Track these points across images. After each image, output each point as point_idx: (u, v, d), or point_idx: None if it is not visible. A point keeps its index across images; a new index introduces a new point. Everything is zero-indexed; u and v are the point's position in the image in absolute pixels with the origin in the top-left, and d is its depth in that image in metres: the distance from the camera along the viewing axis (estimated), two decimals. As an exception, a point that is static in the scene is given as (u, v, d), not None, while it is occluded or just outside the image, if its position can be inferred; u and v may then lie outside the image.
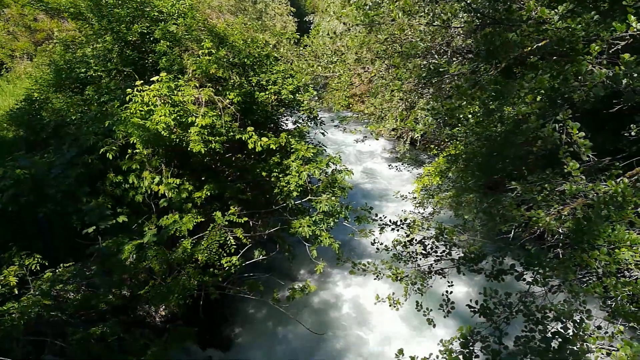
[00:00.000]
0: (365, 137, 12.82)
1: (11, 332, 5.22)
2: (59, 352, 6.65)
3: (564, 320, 4.50)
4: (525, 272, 5.56)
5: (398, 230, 6.66)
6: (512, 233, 7.06)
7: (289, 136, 9.01)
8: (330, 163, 9.54)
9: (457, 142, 10.41)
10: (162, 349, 6.73)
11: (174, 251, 7.61)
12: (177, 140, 7.55)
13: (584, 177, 5.52)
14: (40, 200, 7.31)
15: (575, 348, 4.17)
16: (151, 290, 6.94)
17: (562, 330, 4.28)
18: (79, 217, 7.35)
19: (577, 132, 4.87)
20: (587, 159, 4.92)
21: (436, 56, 9.14)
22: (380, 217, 6.86)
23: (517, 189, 6.73)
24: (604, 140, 7.55)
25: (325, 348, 9.39)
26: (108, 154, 7.50)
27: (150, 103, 7.29)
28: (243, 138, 8.15)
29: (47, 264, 6.77)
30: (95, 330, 6.31)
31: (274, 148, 8.62)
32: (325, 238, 8.96)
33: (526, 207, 6.23)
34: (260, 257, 9.21)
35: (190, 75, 8.44)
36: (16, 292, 5.75)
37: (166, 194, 7.66)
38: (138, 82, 7.47)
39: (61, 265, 6.76)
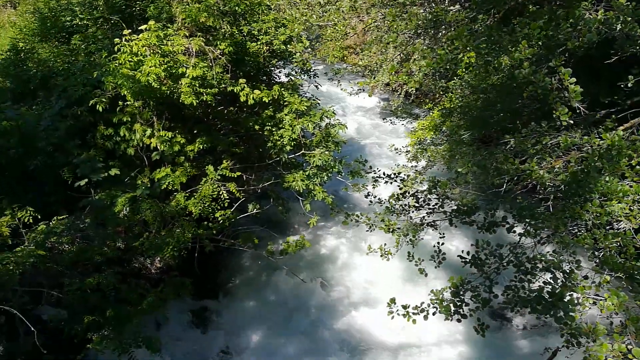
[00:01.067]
0: (361, 89, 12.63)
1: (7, 282, 5.26)
2: (56, 303, 6.77)
3: (553, 270, 4.60)
4: (516, 225, 5.63)
5: (391, 183, 6.68)
6: (505, 186, 7.10)
7: (282, 89, 8.86)
8: (324, 117, 9.44)
9: (452, 96, 10.32)
10: (158, 298, 6.84)
11: (167, 204, 7.62)
12: (168, 92, 7.40)
13: (576, 127, 5.51)
14: (30, 153, 7.21)
15: (564, 299, 4.27)
16: (146, 243, 6.99)
17: (551, 281, 4.36)
18: (70, 170, 7.28)
19: (569, 78, 4.79)
20: (576, 106, 4.87)
21: (433, 4, 8.89)
22: (373, 170, 6.85)
23: (511, 143, 6.72)
24: (600, 92, 7.49)
25: (318, 298, 9.62)
26: (98, 106, 7.35)
27: (139, 53, 7.08)
28: (235, 90, 7.99)
29: (40, 217, 6.75)
30: (91, 281, 6.39)
31: (267, 101, 8.48)
32: (319, 192, 8.99)
33: (520, 161, 6.23)
34: (254, 210, 9.24)
35: (179, 24, 8.17)
36: (10, 243, 5.75)
37: (158, 147, 7.58)
38: (126, 32, 7.23)
39: (55, 217, 6.75)
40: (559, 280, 4.43)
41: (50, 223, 6.67)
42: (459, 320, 4.72)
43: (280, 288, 9.94)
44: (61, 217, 6.79)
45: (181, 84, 7.27)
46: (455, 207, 5.74)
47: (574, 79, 4.79)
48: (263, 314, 9.35)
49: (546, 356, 7.43)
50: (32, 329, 5.30)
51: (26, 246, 5.86)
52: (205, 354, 8.37)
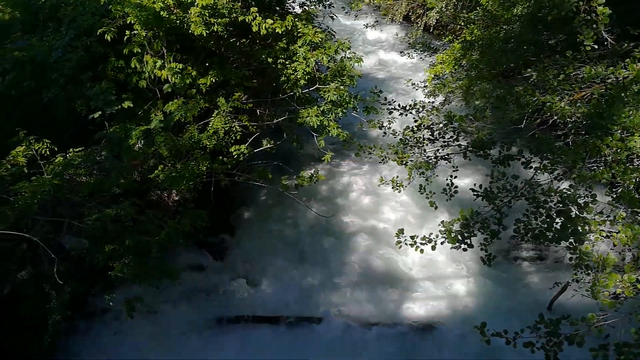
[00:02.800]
0: (377, 21, 12.14)
1: (25, 210, 5.40)
2: (77, 233, 6.98)
3: (568, 203, 4.54)
4: (532, 160, 5.53)
5: (406, 115, 6.54)
6: (525, 121, 6.93)
7: (296, 19, 8.54)
8: (339, 49, 9.15)
9: (474, 27, 9.88)
10: (175, 230, 7.00)
11: (181, 137, 7.63)
12: (178, 22, 7.19)
13: (602, 60, 5.26)
14: (44, 86, 7.20)
15: (578, 228, 4.24)
16: (161, 175, 7.06)
17: (564, 210, 4.32)
18: (84, 102, 7.27)
19: (598, -1, 4.50)
20: (602, 34, 4.60)
21: None
22: (388, 102, 6.69)
23: (533, 77, 6.48)
24: (629, 23, 7.08)
25: (332, 230, 9.78)
26: (107, 35, 7.20)
27: (146, -21, 6.82)
28: (247, 20, 7.72)
29: (56, 149, 6.83)
30: (109, 212, 6.53)
31: (280, 32, 8.20)
32: (333, 128, 8.89)
33: (540, 93, 6.03)
34: (268, 146, 9.21)
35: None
36: (26, 172, 5.86)
37: (169, 79, 7.48)
38: (132, -43, 6.93)
39: (71, 150, 6.82)
40: (572, 213, 4.38)
41: (67, 155, 6.76)
42: (465, 250, 4.75)
43: (295, 222, 10.11)
44: (77, 149, 6.86)
45: (190, 13, 7.04)
46: (470, 141, 5.63)
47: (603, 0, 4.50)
48: (278, 246, 9.58)
49: (555, 291, 7.55)
50: (53, 256, 5.49)
51: (43, 177, 5.96)
52: (221, 283, 8.67)
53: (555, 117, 5.84)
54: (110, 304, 6.74)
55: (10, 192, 5.59)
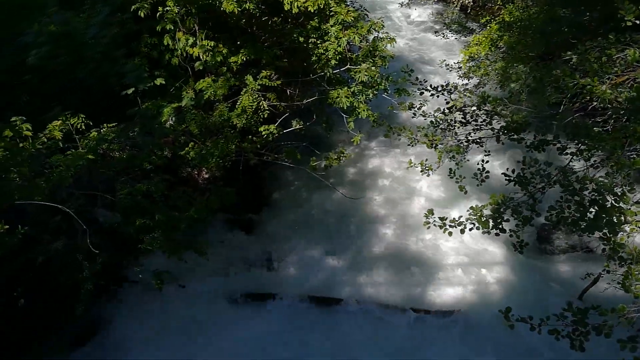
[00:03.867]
0: (411, 0, 11.85)
1: (60, 183, 5.55)
2: (110, 207, 7.16)
3: (604, 192, 4.37)
4: (568, 145, 5.33)
5: (437, 96, 6.38)
6: (562, 106, 6.69)
7: (328, -3, 8.40)
8: (371, 29, 8.99)
9: (512, 8, 9.54)
10: (204, 206, 7.11)
11: (211, 115, 7.68)
12: (210, -2, 7.19)
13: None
14: (79, 61, 7.33)
15: (612, 219, 4.08)
16: (191, 152, 7.15)
17: (599, 200, 4.16)
18: (118, 78, 7.38)
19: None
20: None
21: None
22: (420, 82, 6.54)
23: (573, 60, 6.21)
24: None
25: (358, 212, 9.76)
26: (140, 12, 7.26)
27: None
28: (278, -3, 7.66)
29: (91, 124, 6.97)
30: (141, 187, 6.67)
31: (312, 11, 8.10)
32: (363, 110, 8.78)
33: (580, 77, 5.78)
34: (298, 126, 9.19)
35: None
36: (61, 146, 6.01)
37: (201, 57, 7.51)
38: None
39: (105, 125, 6.96)
40: (607, 203, 4.22)
41: (101, 130, 6.90)
42: (497, 234, 4.64)
43: (322, 203, 10.12)
44: (111, 125, 6.99)
45: (223, -11, 7.02)
46: (504, 124, 5.46)
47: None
48: (304, 227, 9.63)
49: (587, 282, 7.34)
50: (85, 227, 5.63)
51: (78, 151, 6.11)
52: (247, 260, 8.80)
53: (595, 103, 5.60)
54: (140, 276, 6.92)
55: (46, 165, 5.75)
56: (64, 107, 7.04)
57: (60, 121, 5.91)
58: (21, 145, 5.31)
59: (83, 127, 6.84)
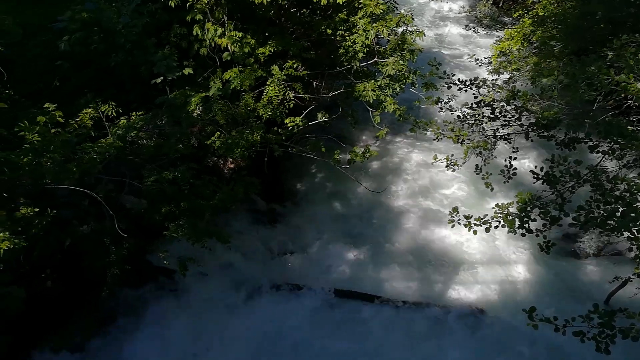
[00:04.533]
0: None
1: (89, 169, 5.69)
2: (136, 193, 7.30)
3: (635, 192, 4.24)
4: (600, 144, 5.18)
5: (466, 91, 6.27)
6: (596, 104, 6.50)
7: (358, -11, 8.34)
8: (400, 22, 8.89)
9: (546, 2, 9.30)
10: (229, 195, 7.18)
11: (237, 105, 7.74)
12: (239, -12, 7.21)
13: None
14: (111, 50, 7.47)
15: (642, 220, 3.95)
16: (217, 141, 7.22)
17: (629, 200, 4.03)
18: (148, 67, 7.50)
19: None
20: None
21: None
22: (447, 75, 6.44)
23: (608, 56, 6.02)
24: None
25: (382, 206, 9.72)
26: (171, 2, 7.35)
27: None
28: (308, -11, 7.64)
29: (121, 111, 7.12)
30: (167, 174, 6.78)
31: (341, 3, 8.07)
32: (390, 104, 8.69)
33: (615, 74, 5.60)
34: (323, 119, 9.17)
35: None
36: (93, 134, 6.15)
37: (229, 48, 7.56)
38: None
39: (134, 113, 7.09)
40: (638, 203, 4.08)
41: (130, 118, 7.04)
42: (523, 235, 4.55)
43: (346, 196, 10.12)
44: (140, 113, 7.12)
45: (252, -20, 7.04)
46: (533, 121, 5.33)
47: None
48: (327, 219, 9.64)
49: (615, 285, 7.15)
50: (112, 212, 5.76)
51: (108, 138, 6.24)
52: (270, 250, 8.87)
53: (630, 101, 5.43)
54: (165, 262, 7.04)
55: (77, 151, 5.90)
56: (95, 95, 7.22)
57: (91, 109, 6.04)
58: (53, 131, 5.45)
59: (114, 114, 7.00)
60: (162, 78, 7.60)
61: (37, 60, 7.45)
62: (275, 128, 8.30)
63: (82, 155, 5.66)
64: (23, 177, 5.14)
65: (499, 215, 4.63)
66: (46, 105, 5.46)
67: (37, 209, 4.80)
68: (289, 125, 8.15)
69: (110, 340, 7.00)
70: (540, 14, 9.35)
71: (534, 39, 9.51)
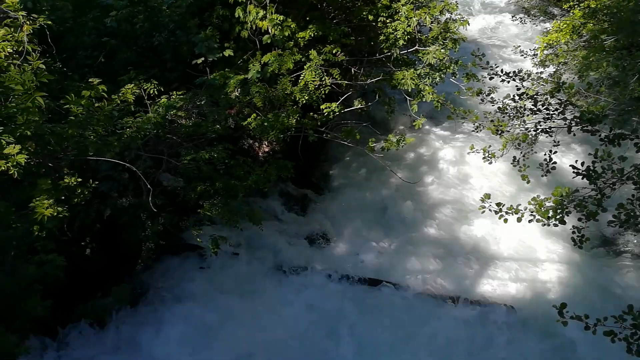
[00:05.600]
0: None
1: (129, 143, 5.87)
2: (174, 171, 7.49)
3: (683, 193, 4.05)
4: (648, 142, 4.96)
5: (508, 82, 6.10)
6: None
7: (402, -25, 8.22)
8: (444, 10, 8.72)
9: (600, -8, 8.91)
10: (263, 177, 7.29)
11: (275, 89, 7.80)
12: (282, -28, 7.22)
13: None
14: (155, 29, 7.64)
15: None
16: (253, 123, 7.31)
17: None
18: (189, 48, 7.63)
19: None
20: None
21: None
22: (490, 67, 6.28)
23: (664, 50, 5.73)
24: None
25: (414, 196, 9.61)
26: (214, -17, 7.46)
27: None
28: (351, -26, 7.58)
29: (162, 90, 7.29)
30: (204, 154, 6.92)
31: (384, -12, 7.98)
32: (428, 93, 8.57)
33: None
34: (360, 106, 9.13)
35: None
36: (132, 110, 6.32)
37: (269, 31, 7.61)
38: None
39: (174, 92, 7.25)
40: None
41: (171, 98, 7.20)
42: (555, 225, 4.42)
43: (379, 185, 10.07)
44: (180, 93, 7.28)
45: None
46: (578, 115, 5.15)
47: None
48: (358, 207, 9.63)
49: (655, 288, 6.89)
50: (149, 187, 5.93)
51: (148, 114, 6.42)
52: (301, 234, 8.93)
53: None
54: (198, 239, 7.21)
55: (118, 126, 6.09)
56: (138, 73, 7.42)
57: (134, 85, 6.21)
58: (97, 105, 5.65)
59: (155, 92, 7.18)
60: (202, 59, 7.73)
61: (85, 35, 7.68)
62: (311, 113, 8.33)
63: (124, 130, 5.84)
64: (68, 149, 5.36)
65: (533, 207, 4.51)
66: (91, 79, 5.65)
67: (79, 179, 4.99)
68: (324, 111, 8.17)
69: (140, 313, 7.22)
70: (592, 5, 8.95)
71: (583, 31, 9.14)
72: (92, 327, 6.86)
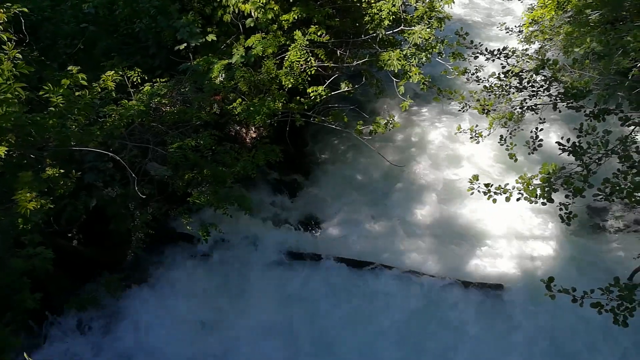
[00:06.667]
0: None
1: (112, 132, 5.78)
2: (160, 159, 7.41)
3: (667, 165, 4.08)
4: (632, 116, 4.98)
5: (493, 60, 6.08)
6: (631, 73, 6.23)
7: (385, -47, 8.10)
8: (429, -12, 8.64)
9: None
10: (250, 162, 7.24)
11: (260, 72, 7.71)
12: (264, -47, 7.08)
13: None
14: (135, 15, 7.48)
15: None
16: (238, 107, 7.23)
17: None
18: (171, 33, 7.49)
19: None
20: None
21: None
22: (475, 45, 6.25)
23: (648, 24, 5.73)
24: None
25: (403, 178, 9.64)
26: (194, -34, 7.30)
27: None
28: (333, -46, 7.46)
29: (146, 77, 7.17)
30: (190, 141, 6.85)
31: (368, -32, 7.86)
32: (415, 74, 8.52)
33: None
34: (346, 89, 9.06)
35: None
36: (116, 97, 6.21)
37: (252, 14, 7.49)
38: None
39: (157, 79, 7.13)
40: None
41: (154, 85, 7.09)
42: (544, 204, 4.45)
43: (367, 168, 10.06)
44: (163, 80, 7.17)
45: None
46: (562, 90, 5.14)
47: None
48: (348, 191, 9.63)
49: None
50: (134, 175, 5.86)
51: (130, 102, 6.31)
52: (291, 218, 8.92)
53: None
54: (188, 227, 7.17)
55: (100, 114, 5.98)
56: (121, 60, 7.28)
57: (113, 72, 6.10)
58: (77, 94, 5.54)
59: (138, 80, 7.06)
60: (185, 44, 7.60)
61: (64, 23, 7.51)
62: (298, 97, 8.25)
63: (106, 119, 5.74)
64: (49, 140, 5.26)
65: (520, 185, 4.52)
66: (70, 68, 5.54)
67: (62, 170, 4.91)
68: (311, 94, 8.10)
69: (131, 303, 7.21)
70: (577, -20, 8.90)
71: (568, 7, 9.09)
72: (81, 318, 6.84)
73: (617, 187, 4.06)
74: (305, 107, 8.22)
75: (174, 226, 8.10)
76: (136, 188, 5.80)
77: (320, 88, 8.15)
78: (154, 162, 7.56)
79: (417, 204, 9.23)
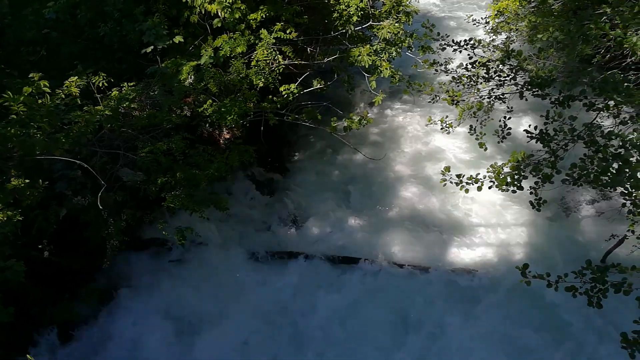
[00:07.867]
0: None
1: (79, 138, 5.65)
2: (132, 165, 7.29)
3: (629, 147, 4.18)
4: (596, 102, 5.10)
5: (461, 52, 6.15)
6: (594, 60, 6.38)
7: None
8: (395, -17, 8.67)
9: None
10: (224, 164, 7.16)
11: (229, 73, 7.64)
12: (228, -48, 7.01)
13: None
14: (99, 18, 7.32)
15: (637, 174, 3.91)
16: (209, 109, 7.16)
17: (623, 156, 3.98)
18: (137, 36, 7.36)
19: None
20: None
21: None
22: (441, 37, 6.31)
23: (607, 12, 5.88)
24: None
25: (380, 172, 9.70)
26: (157, -33, 7.18)
27: None
28: (298, -49, 7.43)
29: (113, 81, 7.02)
30: (161, 145, 6.74)
31: (333, -36, 7.86)
32: (386, 69, 8.57)
33: (612, 30, 5.47)
34: (319, 86, 9.05)
35: None
36: (79, 102, 6.06)
37: (219, 14, 7.41)
38: None
39: (125, 84, 7.00)
40: (633, 158, 4.03)
41: (122, 89, 6.95)
42: (514, 192, 4.53)
43: (343, 164, 10.10)
44: (131, 84, 7.03)
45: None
46: (528, 79, 5.23)
47: None
48: (325, 188, 9.63)
49: (612, 243, 7.17)
50: (103, 182, 5.75)
51: (96, 107, 6.17)
52: (269, 219, 8.88)
53: (630, 59, 5.31)
54: (164, 232, 7.07)
55: (66, 121, 5.84)
56: (86, 66, 7.11)
57: (76, 77, 5.95)
58: (40, 101, 5.39)
59: (105, 84, 6.90)
60: (152, 47, 7.47)
61: (25, 30, 7.30)
62: (270, 96, 8.20)
63: (72, 125, 5.61)
64: (13, 149, 5.11)
65: (491, 173, 4.59)
66: (31, 75, 5.38)
67: (27, 180, 4.78)
68: (283, 93, 8.06)
69: (108, 311, 7.11)
70: (540, -29, 9.07)
71: (532, -2, 9.27)
72: (61, 331, 6.70)
73: (584, 172, 4.15)
74: (278, 105, 8.17)
75: (150, 232, 7.97)
76: (105, 195, 5.66)
77: (292, 86, 8.12)
78: (126, 168, 7.43)
79: (393, 197, 9.29)
